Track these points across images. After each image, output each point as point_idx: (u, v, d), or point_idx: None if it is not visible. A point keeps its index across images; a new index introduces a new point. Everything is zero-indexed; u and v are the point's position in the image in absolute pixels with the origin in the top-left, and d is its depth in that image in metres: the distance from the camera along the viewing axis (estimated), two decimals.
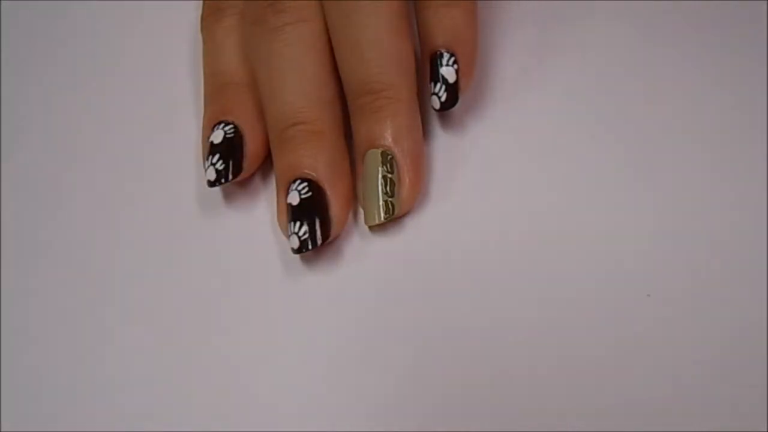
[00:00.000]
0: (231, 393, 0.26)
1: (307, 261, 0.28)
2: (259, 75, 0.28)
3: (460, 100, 0.28)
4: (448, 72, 0.28)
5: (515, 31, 0.31)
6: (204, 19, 0.31)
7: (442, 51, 0.28)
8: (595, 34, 0.30)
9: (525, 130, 0.29)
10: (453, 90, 0.28)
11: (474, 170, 0.28)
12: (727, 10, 0.30)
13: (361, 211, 0.28)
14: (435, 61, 0.28)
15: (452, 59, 0.28)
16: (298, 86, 0.27)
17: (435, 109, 0.28)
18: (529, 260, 0.27)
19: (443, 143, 0.29)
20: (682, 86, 0.29)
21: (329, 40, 0.28)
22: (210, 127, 0.29)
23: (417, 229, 0.28)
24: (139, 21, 0.34)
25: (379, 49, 0.27)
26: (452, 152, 0.29)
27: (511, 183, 0.28)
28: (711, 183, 0.27)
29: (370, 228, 0.28)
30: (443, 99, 0.28)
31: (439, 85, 0.28)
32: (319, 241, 0.27)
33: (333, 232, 0.27)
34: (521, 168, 0.28)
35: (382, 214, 0.27)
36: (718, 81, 0.29)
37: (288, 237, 0.27)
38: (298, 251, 0.27)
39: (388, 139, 0.27)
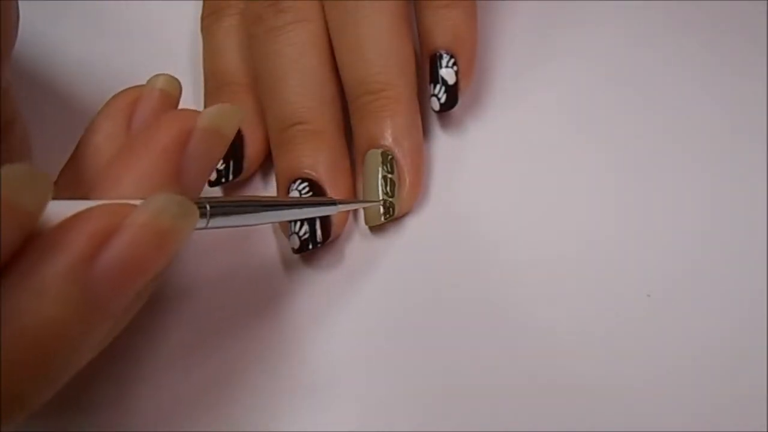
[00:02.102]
0: (230, 392, 0.26)
1: (307, 261, 0.28)
2: (259, 75, 0.28)
3: (459, 101, 0.28)
4: (447, 74, 0.28)
5: (514, 32, 0.31)
6: (204, 19, 0.31)
7: (442, 52, 0.28)
8: (594, 35, 0.31)
9: (524, 130, 0.29)
10: (452, 91, 0.28)
11: (474, 170, 0.29)
12: (726, 10, 0.30)
13: (361, 211, 0.28)
14: (434, 62, 0.28)
15: (452, 61, 0.28)
16: (299, 86, 0.27)
17: (434, 111, 0.28)
18: (529, 260, 0.27)
19: (443, 143, 0.29)
20: (682, 86, 0.29)
21: (329, 40, 0.28)
22: None
23: (417, 229, 0.28)
24: (139, 21, 0.34)
25: (379, 49, 0.27)
26: (452, 152, 0.29)
27: (510, 183, 0.28)
28: (711, 183, 0.27)
29: (370, 228, 0.28)
30: (443, 100, 0.28)
31: (438, 86, 0.28)
32: (320, 241, 0.27)
33: (333, 232, 0.27)
34: (520, 168, 0.28)
35: (382, 215, 0.27)
36: (718, 81, 0.29)
37: (288, 237, 0.27)
38: (298, 251, 0.27)
39: (388, 140, 0.27)
